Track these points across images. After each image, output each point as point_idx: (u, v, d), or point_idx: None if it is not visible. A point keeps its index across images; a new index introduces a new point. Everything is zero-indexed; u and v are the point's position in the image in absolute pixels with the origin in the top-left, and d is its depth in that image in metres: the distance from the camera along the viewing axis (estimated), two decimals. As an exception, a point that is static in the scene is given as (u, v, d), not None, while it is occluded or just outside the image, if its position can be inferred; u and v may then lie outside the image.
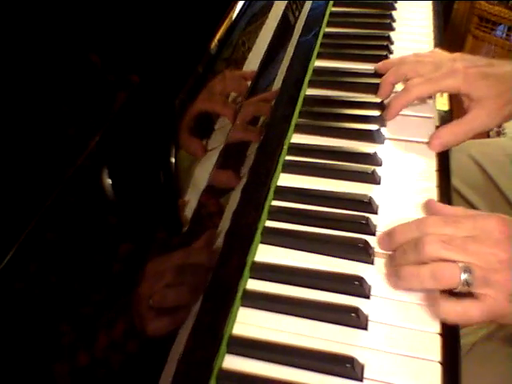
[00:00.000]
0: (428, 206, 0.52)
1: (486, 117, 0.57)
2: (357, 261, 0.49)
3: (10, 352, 0.28)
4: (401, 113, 0.64)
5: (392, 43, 0.77)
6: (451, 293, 0.44)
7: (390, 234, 0.49)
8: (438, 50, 0.66)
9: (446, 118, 0.64)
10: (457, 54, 0.61)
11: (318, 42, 0.78)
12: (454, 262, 0.43)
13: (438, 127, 0.62)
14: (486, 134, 1.66)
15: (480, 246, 0.43)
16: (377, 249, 0.50)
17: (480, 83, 0.57)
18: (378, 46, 0.77)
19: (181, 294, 0.40)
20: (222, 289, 0.45)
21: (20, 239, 0.29)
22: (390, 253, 0.49)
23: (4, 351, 0.27)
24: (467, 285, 0.42)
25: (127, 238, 0.37)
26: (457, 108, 0.64)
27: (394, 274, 0.46)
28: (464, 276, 0.42)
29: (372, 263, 0.48)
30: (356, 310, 0.44)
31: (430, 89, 0.59)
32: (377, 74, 0.70)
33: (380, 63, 0.68)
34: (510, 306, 0.42)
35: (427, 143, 0.60)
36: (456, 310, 0.42)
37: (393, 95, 0.64)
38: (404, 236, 0.47)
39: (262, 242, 0.51)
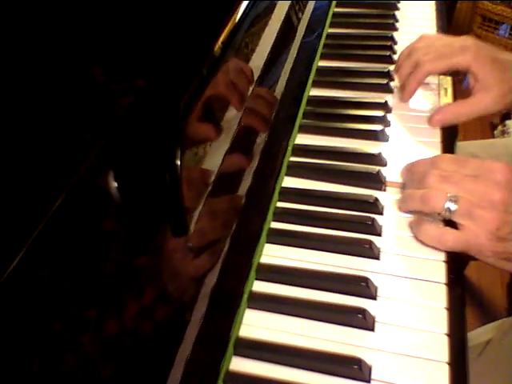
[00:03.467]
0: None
1: (490, 101, 0.58)
2: (363, 262, 0.48)
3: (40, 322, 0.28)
4: (405, 112, 0.64)
5: (395, 43, 0.77)
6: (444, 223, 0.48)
7: (409, 166, 0.54)
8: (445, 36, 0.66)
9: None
10: (466, 36, 0.62)
11: (322, 42, 0.78)
12: (444, 191, 0.46)
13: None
14: (491, 135, 1.65)
15: (476, 184, 0.46)
16: (383, 248, 0.49)
17: (488, 66, 0.58)
18: (381, 47, 0.77)
19: (186, 298, 0.40)
20: (228, 291, 0.45)
21: (29, 241, 0.29)
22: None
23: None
24: (449, 212, 0.46)
25: (133, 241, 0.37)
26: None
27: (401, 197, 0.52)
28: (448, 204, 0.46)
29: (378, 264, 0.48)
30: (363, 312, 0.44)
31: (441, 64, 0.60)
32: (380, 74, 0.70)
33: (396, 67, 0.68)
34: (489, 244, 0.45)
35: (428, 118, 0.62)
36: (433, 232, 0.47)
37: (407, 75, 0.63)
38: (419, 169, 0.51)
39: (267, 244, 0.51)
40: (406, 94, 0.64)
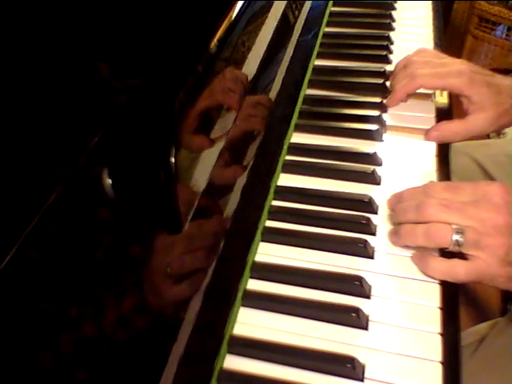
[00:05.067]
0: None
1: (485, 122, 0.59)
2: (357, 261, 0.49)
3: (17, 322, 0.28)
4: (401, 113, 0.64)
5: (392, 43, 0.77)
6: (445, 254, 0.46)
7: (398, 196, 0.52)
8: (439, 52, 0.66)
9: (445, 113, 0.64)
10: (462, 60, 0.62)
11: (318, 41, 0.78)
12: (449, 223, 0.44)
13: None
14: (486, 135, 1.66)
15: (478, 210, 0.45)
16: (377, 247, 0.50)
17: (483, 89, 0.58)
18: (377, 46, 0.77)
19: (181, 294, 0.40)
20: (222, 289, 0.45)
21: (21, 238, 0.29)
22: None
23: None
24: (458, 245, 0.44)
25: (127, 238, 0.37)
26: (456, 107, 0.64)
27: (394, 232, 0.50)
28: (456, 237, 0.44)
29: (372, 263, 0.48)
30: (356, 310, 0.44)
31: (435, 82, 0.60)
32: (376, 74, 0.70)
33: (390, 76, 0.68)
34: (502, 270, 0.44)
35: (425, 132, 0.61)
36: (442, 267, 0.45)
37: (397, 81, 0.64)
38: (410, 198, 0.49)
39: (262, 242, 0.51)
40: (391, 101, 0.64)
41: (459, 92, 0.59)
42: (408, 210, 0.48)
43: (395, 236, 0.49)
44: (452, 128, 0.60)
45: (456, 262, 0.45)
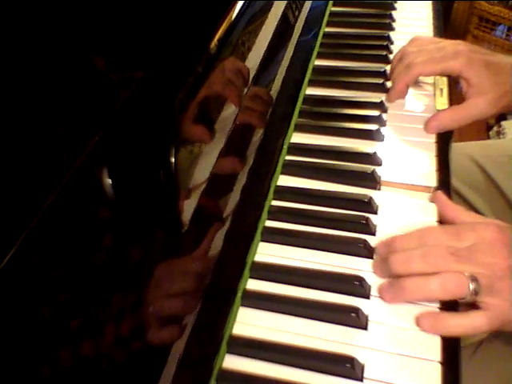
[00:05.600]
0: (435, 199, 0.52)
1: (485, 105, 0.58)
2: (357, 261, 0.49)
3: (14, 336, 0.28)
4: (401, 112, 0.64)
5: (392, 43, 0.77)
6: (447, 305, 0.44)
7: (387, 243, 0.47)
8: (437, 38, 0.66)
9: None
10: (460, 41, 0.62)
11: (318, 41, 0.78)
12: (461, 272, 0.42)
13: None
14: (486, 136, 1.66)
15: (484, 256, 0.43)
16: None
17: (481, 70, 0.57)
18: (377, 46, 0.77)
19: (181, 296, 0.40)
20: (222, 289, 0.45)
21: (21, 238, 0.29)
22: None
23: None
24: (475, 294, 0.42)
25: (127, 238, 0.37)
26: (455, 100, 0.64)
27: (393, 286, 0.45)
28: (472, 286, 0.41)
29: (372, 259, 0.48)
30: (356, 310, 0.44)
31: (432, 67, 0.59)
32: (376, 74, 0.70)
33: (389, 74, 0.68)
34: None
35: (424, 125, 0.61)
36: (464, 322, 0.42)
37: (396, 73, 0.63)
38: (405, 246, 0.46)
39: (261, 242, 0.51)
40: (392, 94, 0.64)
41: (458, 73, 0.58)
42: (412, 261, 0.44)
43: (397, 291, 0.44)
44: (450, 115, 0.60)
45: (474, 313, 0.42)
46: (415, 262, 0.44)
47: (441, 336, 0.43)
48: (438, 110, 0.62)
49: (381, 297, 0.45)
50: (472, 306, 0.43)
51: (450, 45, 0.60)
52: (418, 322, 0.43)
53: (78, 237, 0.33)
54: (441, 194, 0.52)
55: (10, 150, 0.32)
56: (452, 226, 0.47)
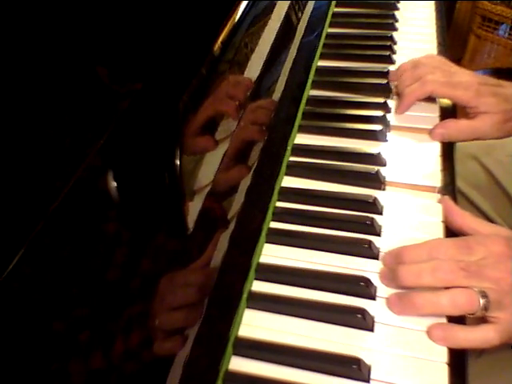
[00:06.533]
0: (443, 205, 0.52)
1: (491, 127, 0.59)
2: (362, 262, 0.48)
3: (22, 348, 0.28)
4: (405, 112, 0.64)
5: (395, 43, 0.77)
6: (453, 319, 0.44)
7: (395, 254, 0.47)
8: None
9: (449, 113, 0.64)
10: (470, 71, 0.63)
11: (321, 42, 0.78)
12: (471, 288, 0.42)
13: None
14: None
15: (492, 271, 0.43)
16: (382, 248, 0.49)
17: (489, 99, 0.59)
18: (380, 47, 0.77)
19: (186, 299, 0.40)
20: (227, 291, 0.45)
21: (27, 242, 0.29)
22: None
23: (17, 346, 0.28)
24: (485, 309, 0.42)
25: (132, 241, 0.37)
26: (460, 108, 0.64)
27: (403, 299, 0.44)
28: (482, 301, 0.42)
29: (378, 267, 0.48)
30: (362, 312, 0.44)
31: (443, 91, 0.61)
32: (380, 74, 0.70)
33: (392, 73, 0.68)
34: None
35: (430, 130, 0.61)
36: (475, 336, 0.42)
37: (406, 86, 0.64)
38: (414, 258, 0.46)
39: (266, 243, 0.51)
40: (402, 107, 0.64)
41: (465, 104, 0.60)
42: (422, 275, 0.44)
43: (406, 305, 0.44)
44: (458, 126, 0.60)
45: (485, 327, 0.43)
46: (425, 276, 0.44)
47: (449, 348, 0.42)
48: (444, 121, 0.62)
49: (389, 307, 0.45)
50: (480, 319, 0.43)
51: (463, 74, 0.61)
52: (429, 332, 0.43)
53: (82, 243, 0.33)
54: (448, 200, 0.52)
55: (12, 156, 0.33)
56: (461, 239, 0.47)
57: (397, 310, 0.44)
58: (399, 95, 0.65)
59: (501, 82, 0.62)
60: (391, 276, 0.46)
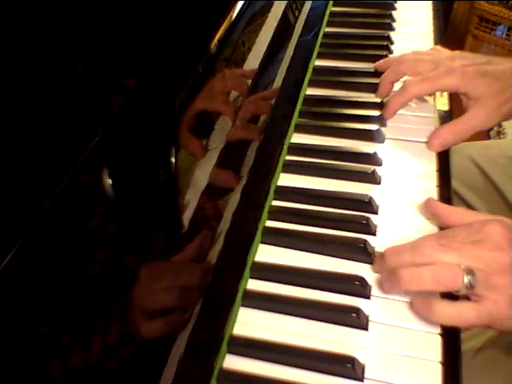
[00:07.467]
0: (427, 205, 0.51)
1: (485, 115, 0.56)
2: (357, 261, 0.49)
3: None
4: (401, 112, 0.64)
5: (392, 43, 0.77)
6: (447, 296, 0.43)
7: (385, 250, 0.47)
8: (439, 47, 0.66)
9: (446, 118, 0.64)
10: (456, 52, 0.61)
11: (318, 41, 0.78)
12: (456, 264, 0.41)
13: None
14: (486, 136, 1.66)
15: (479, 249, 0.42)
16: (377, 247, 0.49)
17: (478, 81, 0.56)
18: (377, 46, 0.77)
19: (180, 295, 0.40)
20: (222, 289, 0.45)
21: (20, 240, 0.29)
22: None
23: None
24: (470, 287, 0.41)
25: (127, 239, 0.37)
26: (457, 108, 0.64)
27: (390, 277, 0.45)
28: (467, 278, 0.41)
29: (372, 263, 0.48)
30: (357, 310, 0.44)
31: (427, 88, 0.59)
32: (376, 74, 0.70)
33: (380, 61, 0.69)
34: (510, 311, 0.41)
35: (427, 143, 0.60)
36: (449, 311, 0.42)
37: (392, 94, 0.64)
38: (403, 247, 0.46)
39: (262, 242, 0.51)
40: (388, 113, 0.62)
41: (455, 90, 0.58)
42: (402, 252, 0.44)
43: (393, 281, 0.44)
44: (451, 130, 0.58)
45: (464, 304, 0.42)
46: (405, 252, 0.44)
47: (442, 336, 0.42)
48: (437, 128, 0.60)
49: (380, 287, 0.46)
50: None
51: (445, 60, 0.59)
52: (412, 304, 0.44)
53: (76, 237, 0.33)
54: (431, 199, 0.51)
55: (10, 152, 0.32)
56: (448, 229, 0.47)
57: (386, 287, 0.45)
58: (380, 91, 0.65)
59: (490, 58, 0.59)
60: (381, 263, 0.46)
